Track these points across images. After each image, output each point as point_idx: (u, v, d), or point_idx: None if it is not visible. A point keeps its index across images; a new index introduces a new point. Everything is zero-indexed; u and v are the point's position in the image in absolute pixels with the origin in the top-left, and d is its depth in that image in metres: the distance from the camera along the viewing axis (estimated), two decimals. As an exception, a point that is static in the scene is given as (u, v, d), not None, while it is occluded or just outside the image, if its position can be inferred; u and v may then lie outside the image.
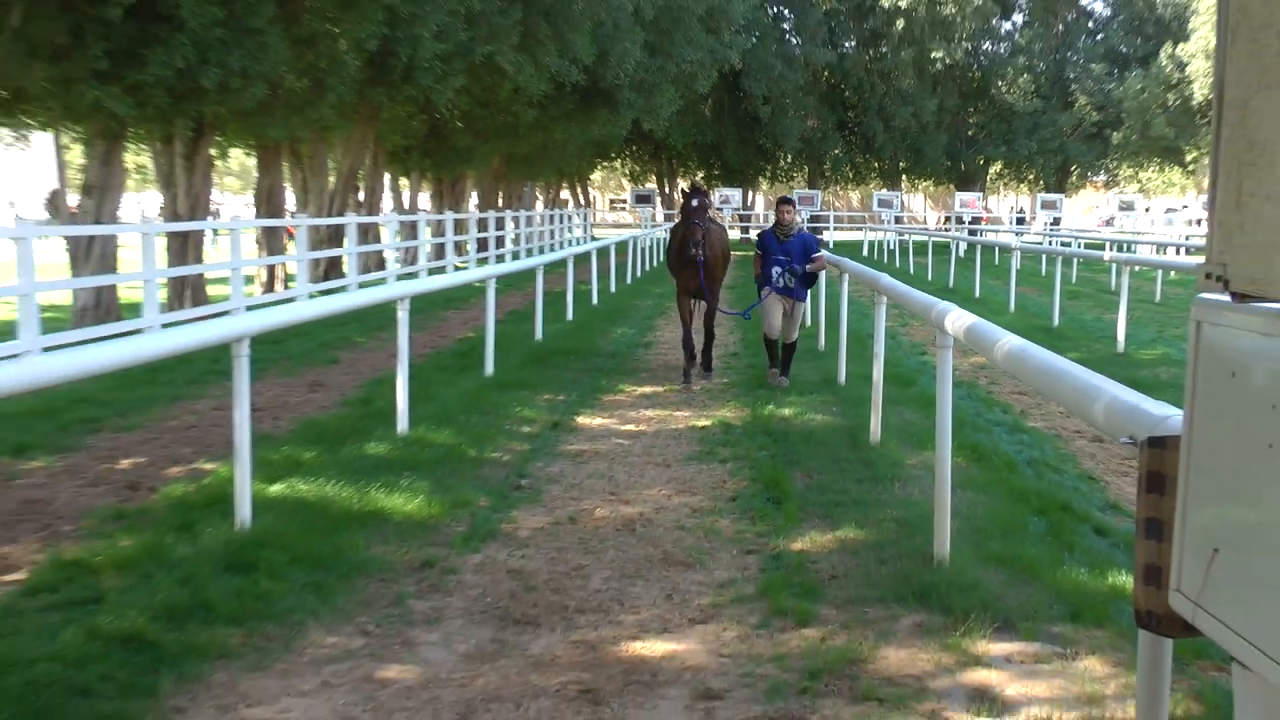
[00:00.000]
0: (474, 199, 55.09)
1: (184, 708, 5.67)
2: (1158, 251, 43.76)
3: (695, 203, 16.22)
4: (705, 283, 16.11)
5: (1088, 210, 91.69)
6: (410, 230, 37.09)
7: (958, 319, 7.54)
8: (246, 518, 8.24)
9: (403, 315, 11.99)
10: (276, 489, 9.51)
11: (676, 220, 17.55)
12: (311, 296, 22.63)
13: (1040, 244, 44.99)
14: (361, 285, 26.72)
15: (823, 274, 17.81)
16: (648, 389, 15.66)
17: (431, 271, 33.03)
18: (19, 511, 9.35)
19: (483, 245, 41.77)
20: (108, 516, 9.04)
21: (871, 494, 9.61)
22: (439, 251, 37.31)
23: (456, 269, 33.53)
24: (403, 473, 10.06)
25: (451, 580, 7.63)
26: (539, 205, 72.37)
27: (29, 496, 9.82)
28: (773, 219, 16.50)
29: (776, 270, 15.63)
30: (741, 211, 78.14)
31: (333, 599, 7.12)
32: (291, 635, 6.56)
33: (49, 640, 6.18)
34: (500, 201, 57.49)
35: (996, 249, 43.63)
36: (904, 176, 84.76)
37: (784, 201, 16.51)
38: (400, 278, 30.38)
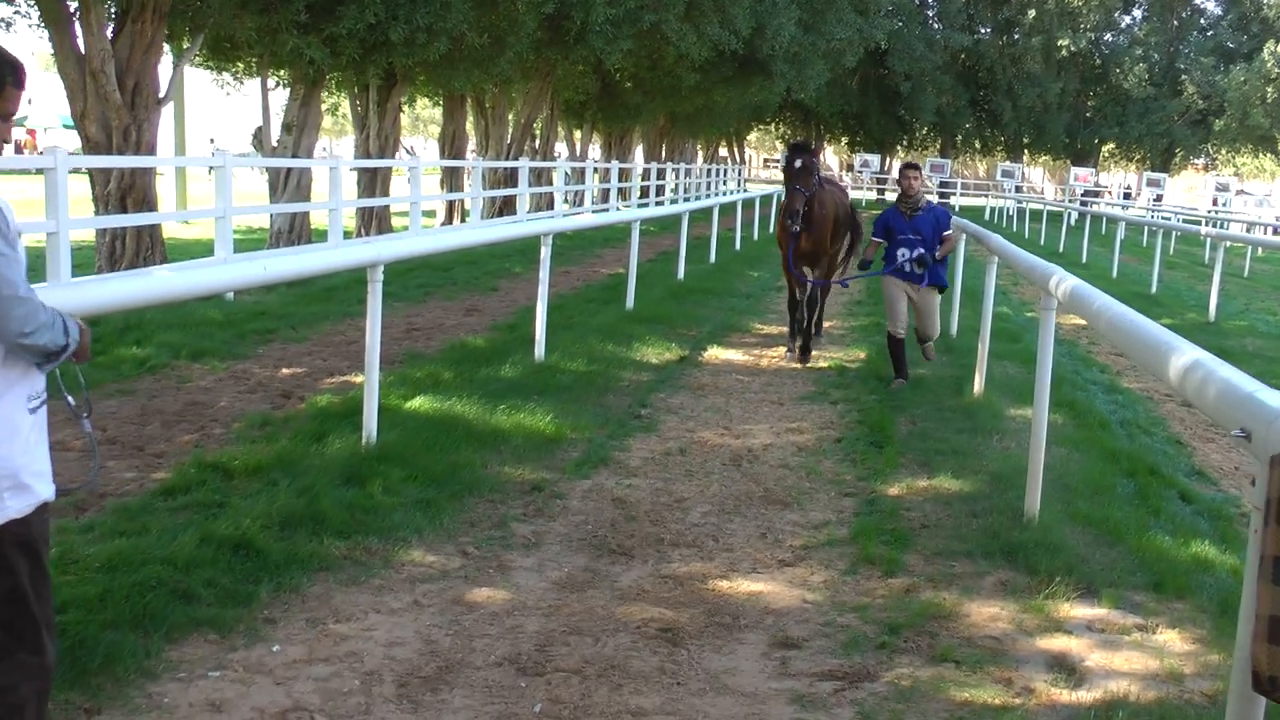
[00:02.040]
0: (640, 151, 54.33)
1: (276, 619, 5.12)
2: (1248, 230, 42.16)
3: (798, 164, 11.75)
4: (809, 258, 12.34)
5: (1189, 189, 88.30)
6: (580, 176, 36.57)
7: (1061, 281, 6.59)
8: (373, 432, 7.66)
9: (545, 251, 11.30)
10: (412, 405, 8.94)
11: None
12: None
13: (1144, 217, 43.06)
14: (539, 220, 26.22)
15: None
16: (774, 329, 14.84)
17: (597, 214, 32.42)
18: (183, 413, 8.93)
19: (645, 193, 41.22)
20: (256, 422, 8.55)
21: (970, 444, 8.71)
22: (605, 196, 36.70)
23: (619, 210, 32.91)
24: (531, 396, 9.41)
25: (557, 505, 6.98)
26: (699, 160, 71.32)
27: (194, 399, 9.40)
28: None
29: (903, 254, 11.03)
30: (879, 175, 77.23)
31: (440, 517, 6.51)
32: (393, 551, 5.97)
33: (167, 542, 5.63)
34: (663, 155, 56.65)
35: (1104, 220, 41.82)
36: (1026, 151, 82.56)
37: (909, 167, 11.41)
38: (576, 215, 29.70)
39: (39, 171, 12.17)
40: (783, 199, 12.33)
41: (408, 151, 48.05)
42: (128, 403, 9.10)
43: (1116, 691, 4.69)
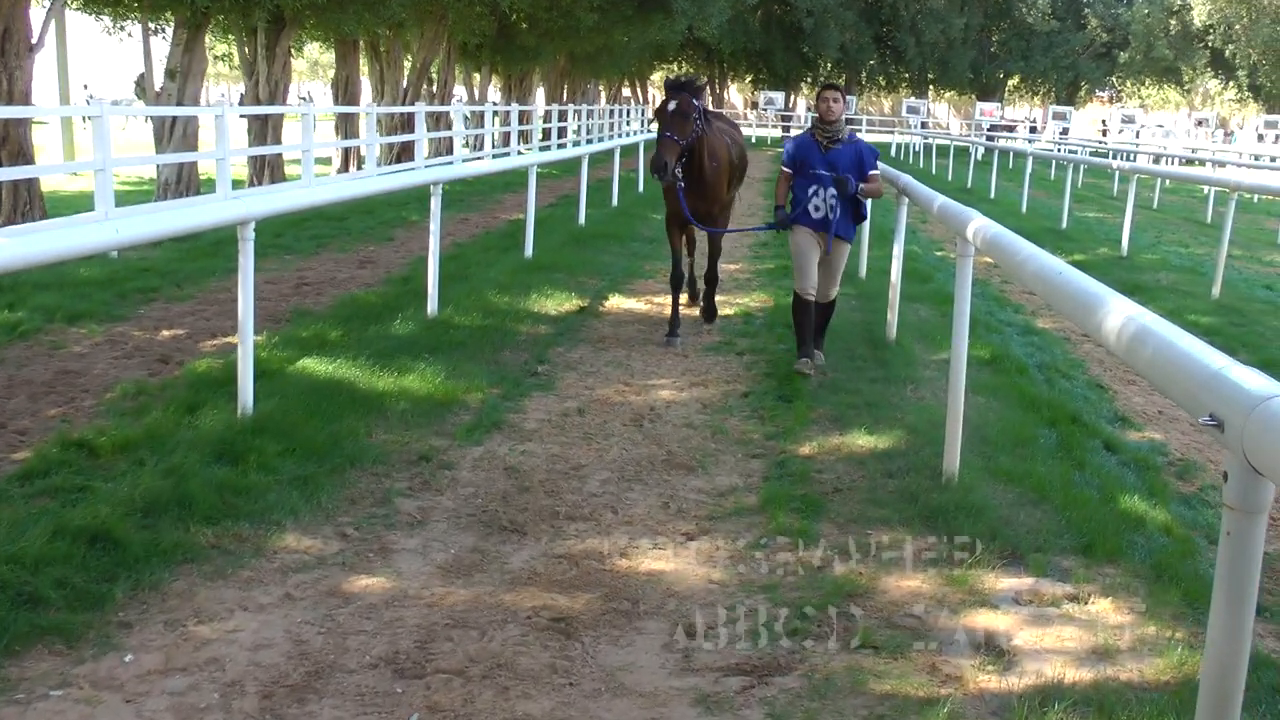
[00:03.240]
0: (540, 93, 53.37)
1: (131, 622, 4.59)
2: (1154, 162, 42.55)
3: (673, 106, 9.67)
4: (693, 213, 10.14)
5: (1093, 123, 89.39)
6: (479, 120, 35.68)
7: (980, 229, 6.06)
8: (249, 403, 7.10)
9: (435, 203, 10.74)
10: (295, 368, 8.40)
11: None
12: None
13: (1052, 151, 43.15)
14: (427, 169, 25.44)
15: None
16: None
17: (497, 157, 31.64)
18: (53, 383, 8.29)
19: (546, 135, 40.46)
20: (129, 392, 7.93)
21: (883, 396, 8.34)
22: (506, 140, 35.88)
23: (520, 155, 32.17)
24: (422, 355, 8.88)
25: (445, 477, 6.48)
26: (601, 101, 70.42)
27: (67, 367, 8.75)
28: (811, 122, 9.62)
29: (814, 191, 9.02)
30: (784, 113, 77.03)
31: (318, 495, 5.97)
32: (265, 537, 5.44)
33: (16, 537, 5.05)
34: (565, 97, 55.73)
35: (1011, 154, 41.72)
36: (931, 87, 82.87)
37: (829, 88, 9.19)
38: (465, 162, 28.88)
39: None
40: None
41: (302, 98, 46.80)
42: (-8, 374, 8.45)
43: (1050, 676, 4.32)
